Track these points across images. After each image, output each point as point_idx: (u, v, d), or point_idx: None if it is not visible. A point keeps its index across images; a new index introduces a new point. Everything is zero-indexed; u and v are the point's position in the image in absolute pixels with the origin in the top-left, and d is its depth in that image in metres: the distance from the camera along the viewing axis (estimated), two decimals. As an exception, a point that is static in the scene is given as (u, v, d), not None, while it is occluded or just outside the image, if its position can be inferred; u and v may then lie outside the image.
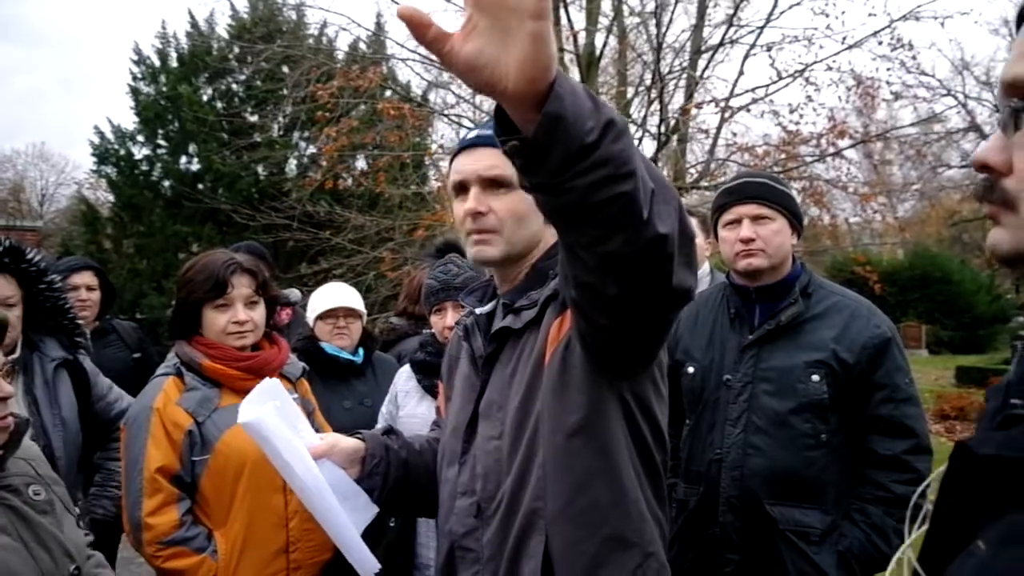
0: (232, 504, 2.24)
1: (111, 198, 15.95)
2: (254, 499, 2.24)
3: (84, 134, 29.82)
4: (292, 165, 14.05)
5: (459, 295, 2.58)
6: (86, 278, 3.60)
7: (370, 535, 1.68)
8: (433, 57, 1.11)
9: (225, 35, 14.77)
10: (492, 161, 1.49)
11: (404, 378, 2.82)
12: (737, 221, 2.34)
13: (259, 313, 2.37)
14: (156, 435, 2.21)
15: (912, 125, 11.55)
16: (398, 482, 1.66)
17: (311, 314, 3.20)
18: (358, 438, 1.66)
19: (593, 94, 1.03)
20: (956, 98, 21.27)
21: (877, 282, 9.43)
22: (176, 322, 2.37)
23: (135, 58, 15.09)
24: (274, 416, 1.53)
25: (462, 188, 1.54)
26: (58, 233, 21.33)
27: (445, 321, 2.64)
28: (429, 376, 2.69)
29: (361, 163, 11.28)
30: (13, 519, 1.43)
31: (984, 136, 25.47)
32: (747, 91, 9.80)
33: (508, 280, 1.60)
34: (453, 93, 11.10)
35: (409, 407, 2.73)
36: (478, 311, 1.65)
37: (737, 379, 2.28)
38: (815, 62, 9.48)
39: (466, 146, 1.55)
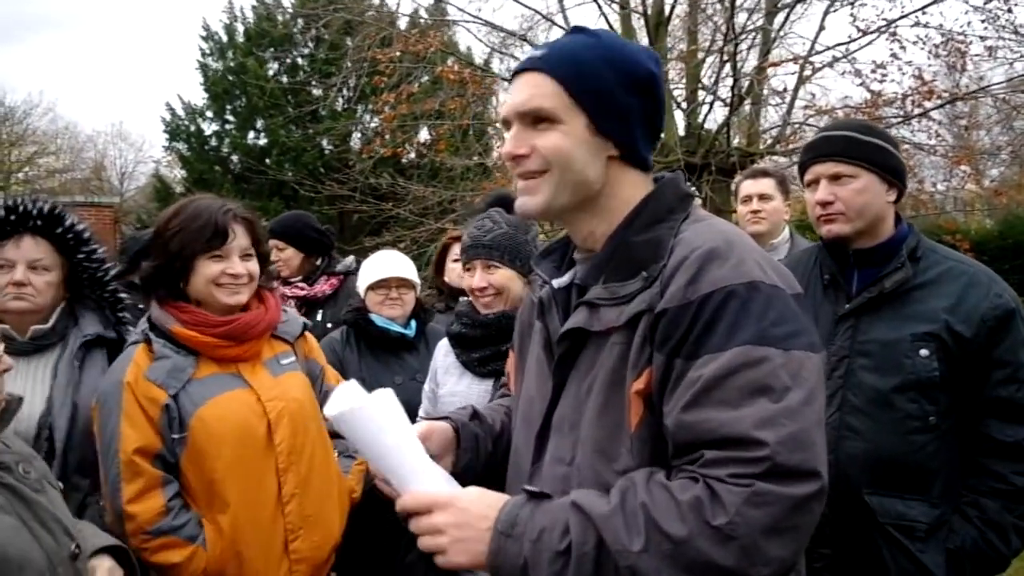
0: (214, 489, 1.99)
1: (184, 174, 16.36)
2: (240, 482, 2.00)
3: (159, 112, 30.61)
4: (356, 138, 14.07)
5: (487, 253, 2.30)
6: None
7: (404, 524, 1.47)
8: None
9: (289, 7, 14.87)
10: (531, 91, 1.22)
11: (443, 353, 2.55)
12: (816, 182, 2.10)
13: (255, 267, 2.14)
14: (130, 413, 1.95)
15: (1007, 82, 10.60)
16: (483, 476, 1.44)
17: (362, 284, 3.01)
18: (450, 424, 1.46)
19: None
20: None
21: (969, 250, 8.80)
22: (156, 279, 2.10)
23: (203, 34, 15.37)
24: (370, 408, 1.26)
25: (507, 126, 1.29)
26: (136, 209, 22.00)
27: (473, 281, 2.33)
28: (467, 350, 2.42)
29: (424, 133, 11.16)
30: (10, 498, 1.30)
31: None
32: (827, 48, 9.23)
33: (581, 242, 1.34)
34: (517, 60, 10.79)
35: (449, 385, 2.46)
36: (555, 284, 1.36)
37: (831, 353, 2.01)
38: (901, 16, 8.83)
39: (514, 73, 1.29)
